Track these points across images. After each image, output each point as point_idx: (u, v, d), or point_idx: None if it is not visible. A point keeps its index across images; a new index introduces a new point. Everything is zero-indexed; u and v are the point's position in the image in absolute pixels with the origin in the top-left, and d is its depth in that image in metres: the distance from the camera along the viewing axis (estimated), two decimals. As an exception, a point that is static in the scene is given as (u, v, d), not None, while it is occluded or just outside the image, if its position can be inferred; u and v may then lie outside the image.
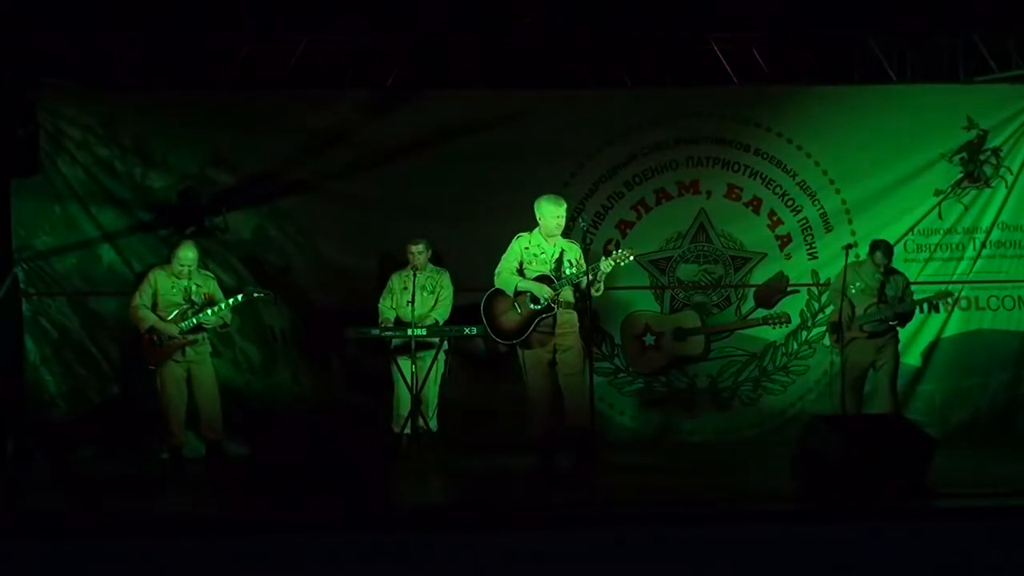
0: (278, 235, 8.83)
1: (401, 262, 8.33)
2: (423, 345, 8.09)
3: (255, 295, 8.01)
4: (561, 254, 7.30)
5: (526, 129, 8.85)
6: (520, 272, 7.33)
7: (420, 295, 8.08)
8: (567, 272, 7.21)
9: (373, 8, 8.51)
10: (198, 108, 8.78)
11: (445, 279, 8.27)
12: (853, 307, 8.16)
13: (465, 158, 8.81)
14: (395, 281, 8.28)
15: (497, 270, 7.40)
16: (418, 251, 8.15)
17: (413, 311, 7.97)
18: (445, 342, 8.15)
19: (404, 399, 8.11)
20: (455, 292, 8.30)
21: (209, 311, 7.74)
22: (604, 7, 8.66)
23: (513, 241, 7.41)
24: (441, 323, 8.12)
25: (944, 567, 4.78)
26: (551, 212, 7.29)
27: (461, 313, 8.23)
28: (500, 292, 7.37)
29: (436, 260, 8.38)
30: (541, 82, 9.00)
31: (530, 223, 7.41)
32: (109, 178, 8.69)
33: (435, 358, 8.15)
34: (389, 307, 8.23)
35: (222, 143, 8.77)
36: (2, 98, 8.32)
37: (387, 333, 8.03)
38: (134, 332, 7.90)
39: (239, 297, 7.86)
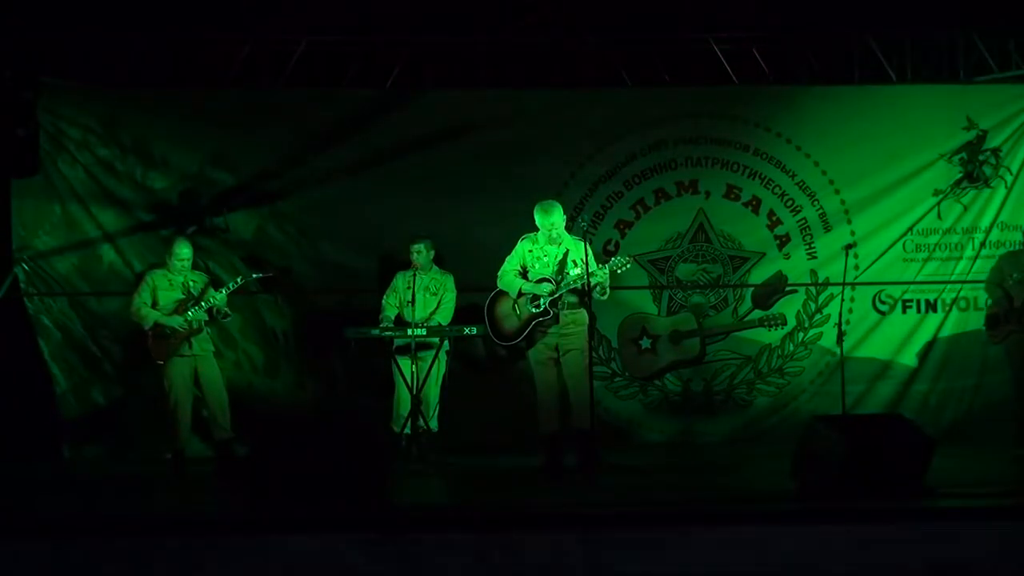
0: (278, 235, 8.84)
1: (402, 261, 8.34)
2: (423, 345, 8.07)
3: (255, 275, 8.11)
4: (565, 255, 7.28)
5: (526, 129, 8.86)
6: (524, 274, 7.33)
7: (423, 296, 8.08)
8: (571, 274, 7.20)
9: (373, 8, 8.51)
10: (198, 108, 8.78)
11: (449, 282, 8.25)
12: (1011, 299, 8.07)
13: (465, 158, 8.83)
14: (399, 280, 8.27)
15: (500, 271, 7.41)
16: (418, 251, 8.16)
17: (414, 312, 7.98)
18: (446, 342, 8.14)
19: (404, 399, 8.09)
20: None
21: (213, 293, 7.84)
22: (605, 7, 8.66)
23: (519, 243, 7.42)
24: (444, 325, 8.09)
25: (944, 567, 4.78)
26: (542, 223, 7.30)
27: (461, 314, 8.22)
28: (503, 294, 7.38)
29: (436, 260, 8.38)
30: (541, 82, 9.00)
31: (530, 224, 7.40)
32: (109, 178, 8.70)
33: (435, 359, 8.14)
34: (392, 304, 8.22)
35: (222, 143, 8.79)
36: (2, 98, 8.32)
37: (387, 333, 8.02)
38: (138, 331, 7.95)
39: (238, 280, 8.00)
